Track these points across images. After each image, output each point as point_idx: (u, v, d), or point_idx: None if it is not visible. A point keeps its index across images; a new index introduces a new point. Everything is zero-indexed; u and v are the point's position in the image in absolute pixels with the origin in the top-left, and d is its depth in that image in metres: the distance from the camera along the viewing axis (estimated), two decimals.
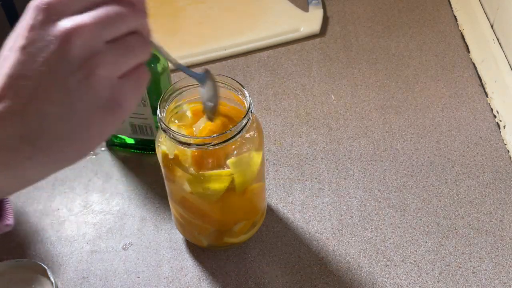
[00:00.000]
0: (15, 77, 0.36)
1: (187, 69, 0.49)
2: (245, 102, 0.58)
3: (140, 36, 0.40)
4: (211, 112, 0.54)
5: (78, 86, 0.36)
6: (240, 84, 0.59)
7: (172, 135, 0.55)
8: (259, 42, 0.91)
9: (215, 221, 0.63)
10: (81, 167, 0.76)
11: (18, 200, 0.73)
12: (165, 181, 0.63)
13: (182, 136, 0.55)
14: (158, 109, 0.57)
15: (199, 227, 0.64)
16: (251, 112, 0.57)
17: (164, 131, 0.56)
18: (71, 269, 0.66)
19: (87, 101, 0.37)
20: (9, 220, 0.40)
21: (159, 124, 0.57)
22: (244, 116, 0.56)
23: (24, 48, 0.36)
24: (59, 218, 0.71)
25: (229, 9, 0.98)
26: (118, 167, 0.76)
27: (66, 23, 0.36)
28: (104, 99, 0.38)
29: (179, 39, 0.94)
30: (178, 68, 0.47)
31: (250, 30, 0.94)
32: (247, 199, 0.62)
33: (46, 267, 0.64)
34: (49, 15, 0.37)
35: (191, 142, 0.55)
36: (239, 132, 0.56)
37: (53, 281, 0.63)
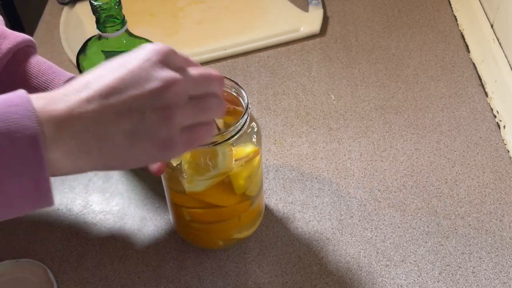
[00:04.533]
0: (111, 88, 0.42)
1: None
2: (241, 101, 0.59)
3: (218, 98, 0.48)
4: None
5: (152, 120, 0.43)
6: (236, 82, 0.59)
7: None
8: (259, 42, 0.91)
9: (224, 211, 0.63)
10: None
11: None
12: (170, 198, 0.63)
13: None
14: None
15: (213, 228, 0.64)
16: (249, 108, 0.57)
17: None
18: (71, 269, 0.66)
19: (151, 133, 0.43)
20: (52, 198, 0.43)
21: None
22: (244, 114, 0.56)
23: (131, 71, 0.43)
24: (59, 218, 0.71)
25: (229, 9, 0.98)
26: None
27: (172, 73, 0.44)
28: (162, 138, 0.44)
29: (179, 39, 0.94)
30: None
31: (250, 30, 0.94)
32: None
33: (46, 267, 0.64)
34: (164, 60, 0.44)
35: None
36: (239, 130, 0.56)
37: (53, 281, 0.63)
